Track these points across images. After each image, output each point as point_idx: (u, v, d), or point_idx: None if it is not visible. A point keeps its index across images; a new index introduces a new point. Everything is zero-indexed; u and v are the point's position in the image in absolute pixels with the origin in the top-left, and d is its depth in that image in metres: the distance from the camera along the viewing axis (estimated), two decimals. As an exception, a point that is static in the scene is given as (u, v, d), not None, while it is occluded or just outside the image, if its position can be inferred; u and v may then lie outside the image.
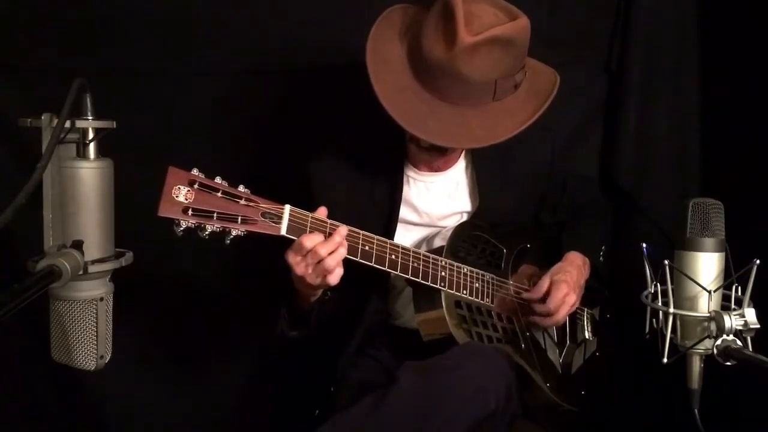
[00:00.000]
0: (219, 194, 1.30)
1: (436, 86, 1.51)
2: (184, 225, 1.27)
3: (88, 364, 1.24)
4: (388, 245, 1.49)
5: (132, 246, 1.30)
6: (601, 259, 1.81)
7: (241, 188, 1.35)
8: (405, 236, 1.70)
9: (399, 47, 1.56)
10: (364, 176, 1.69)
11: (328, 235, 1.40)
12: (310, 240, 1.38)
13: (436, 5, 1.51)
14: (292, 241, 1.39)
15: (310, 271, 1.40)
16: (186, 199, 1.27)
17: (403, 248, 1.52)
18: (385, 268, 1.48)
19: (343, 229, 1.42)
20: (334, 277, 1.40)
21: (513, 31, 1.48)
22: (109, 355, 1.27)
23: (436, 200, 1.73)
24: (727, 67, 2.02)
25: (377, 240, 1.48)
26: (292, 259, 1.40)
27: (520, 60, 1.55)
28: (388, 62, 1.54)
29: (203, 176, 1.30)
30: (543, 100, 1.57)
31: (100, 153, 1.25)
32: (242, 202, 1.33)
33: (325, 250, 1.38)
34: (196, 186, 1.28)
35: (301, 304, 1.58)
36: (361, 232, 1.46)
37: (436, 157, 1.68)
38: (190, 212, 1.27)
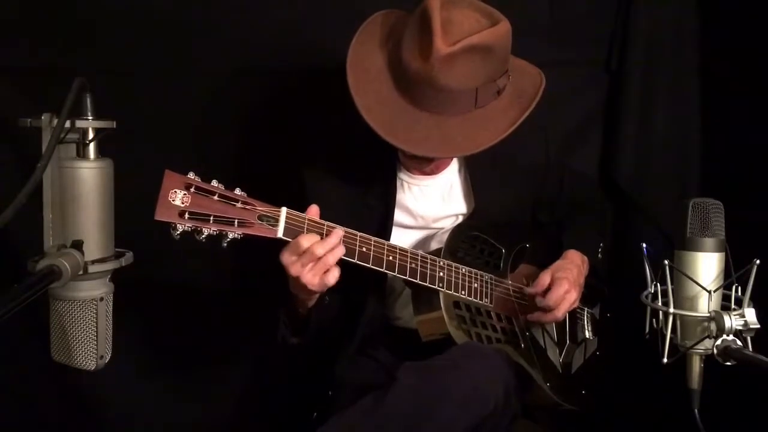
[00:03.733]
0: (215, 197, 1.30)
1: (416, 96, 1.50)
2: (180, 228, 1.27)
3: (88, 364, 1.24)
4: (386, 246, 1.49)
5: (132, 246, 1.30)
6: (599, 257, 1.81)
7: (238, 191, 1.34)
8: (401, 239, 1.69)
9: (380, 57, 1.55)
10: (358, 181, 1.69)
11: (325, 236, 1.40)
12: (306, 240, 1.37)
13: (416, 13, 1.49)
14: (288, 243, 1.39)
15: (305, 271, 1.38)
16: (182, 203, 1.27)
17: (401, 249, 1.52)
18: (383, 270, 1.48)
19: (339, 230, 1.42)
20: (333, 277, 1.40)
21: (492, 38, 1.46)
22: (109, 355, 1.27)
23: (431, 203, 1.73)
24: (727, 66, 2.02)
25: (374, 241, 1.48)
26: (287, 259, 1.39)
27: (502, 65, 1.53)
28: (369, 72, 1.53)
29: (199, 180, 1.30)
30: (527, 104, 1.55)
31: (100, 153, 1.25)
32: (239, 205, 1.33)
33: (323, 249, 1.37)
34: (192, 189, 1.28)
35: (299, 309, 1.57)
36: (359, 233, 1.46)
37: (424, 164, 1.68)
38: (186, 216, 1.27)
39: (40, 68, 1.97)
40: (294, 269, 1.39)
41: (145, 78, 1.99)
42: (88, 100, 1.23)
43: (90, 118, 1.23)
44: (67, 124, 1.17)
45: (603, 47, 2.14)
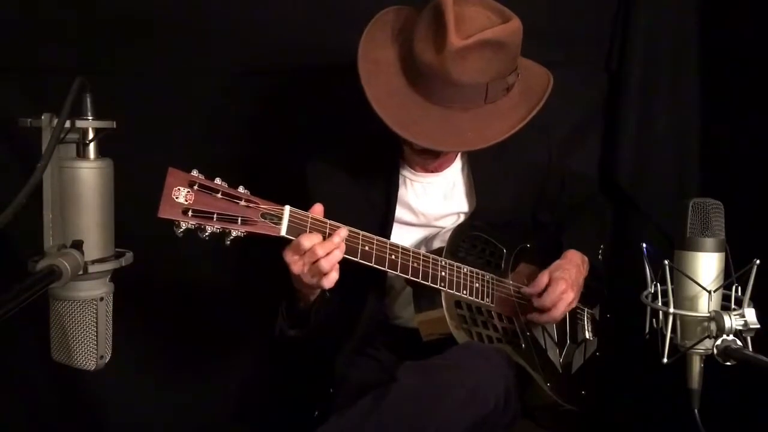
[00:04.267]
0: (219, 195, 1.30)
1: (427, 90, 1.51)
2: (184, 226, 1.27)
3: (88, 364, 1.24)
4: (388, 245, 1.50)
5: (132, 246, 1.30)
6: (600, 257, 1.81)
7: (241, 189, 1.35)
8: (403, 237, 1.70)
9: (391, 50, 1.56)
10: (360, 177, 1.69)
11: (327, 236, 1.40)
12: (308, 240, 1.38)
13: (428, 8, 1.50)
14: (290, 242, 1.39)
15: (306, 270, 1.39)
16: (186, 201, 1.27)
17: (403, 248, 1.52)
18: (385, 269, 1.48)
19: (343, 231, 1.42)
20: (329, 281, 1.40)
21: (504, 34, 1.47)
22: (109, 355, 1.27)
23: (433, 201, 1.74)
24: (727, 66, 2.02)
25: (377, 240, 1.48)
26: (290, 257, 1.40)
27: (512, 62, 1.54)
28: (380, 65, 1.53)
29: (203, 177, 1.30)
30: (535, 102, 1.57)
31: (100, 153, 1.25)
32: (242, 203, 1.33)
33: (323, 251, 1.38)
34: (196, 187, 1.28)
35: (300, 303, 1.58)
36: (361, 232, 1.46)
37: (429, 160, 1.68)
38: (190, 213, 1.27)
39: (40, 68, 1.97)
40: (296, 268, 1.40)
41: (145, 78, 1.99)
42: (88, 100, 1.23)
43: (90, 118, 1.23)
44: (67, 124, 1.17)
45: (603, 47, 2.14)
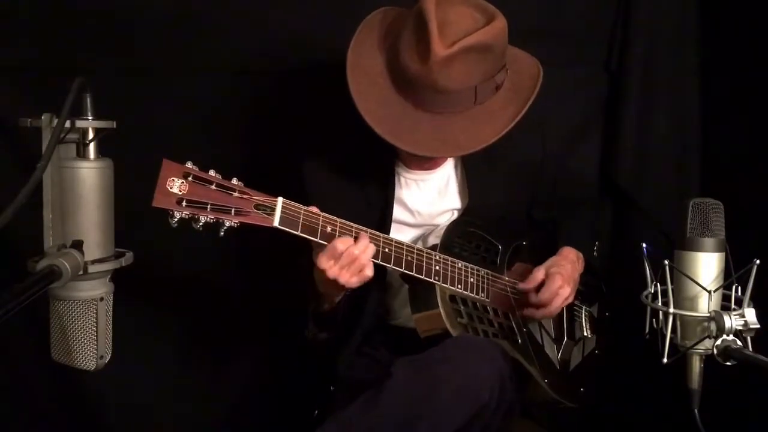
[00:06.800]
0: (213, 186, 1.32)
1: (416, 98, 1.51)
2: (178, 216, 1.28)
3: (88, 364, 1.24)
4: (382, 238, 1.50)
5: (132, 246, 1.30)
6: (595, 254, 1.82)
7: (235, 181, 1.36)
8: (399, 235, 1.69)
9: (379, 57, 1.56)
10: (357, 177, 1.70)
11: (321, 228, 1.42)
12: (342, 243, 1.41)
13: (412, 13, 1.50)
14: (287, 234, 1.39)
15: (344, 272, 1.43)
16: (180, 191, 1.28)
17: (397, 242, 1.53)
18: (379, 261, 1.49)
19: (365, 235, 1.46)
20: (369, 272, 1.44)
21: (489, 37, 1.46)
22: (109, 355, 1.27)
23: (428, 198, 1.74)
24: (727, 67, 2.02)
25: (371, 233, 1.49)
26: (325, 263, 1.42)
27: (500, 61, 1.54)
28: (369, 75, 1.54)
29: (197, 169, 1.31)
30: (526, 98, 1.56)
31: (100, 153, 1.25)
32: (236, 194, 1.34)
33: (359, 250, 1.42)
34: (190, 178, 1.29)
35: (325, 306, 1.61)
36: (354, 225, 1.48)
37: (425, 161, 1.69)
38: (184, 203, 1.28)
39: (40, 68, 1.97)
40: (332, 272, 1.43)
41: (145, 78, 1.99)
42: (88, 100, 1.23)
43: (90, 118, 1.23)
44: (67, 124, 1.17)
45: (603, 47, 2.13)
